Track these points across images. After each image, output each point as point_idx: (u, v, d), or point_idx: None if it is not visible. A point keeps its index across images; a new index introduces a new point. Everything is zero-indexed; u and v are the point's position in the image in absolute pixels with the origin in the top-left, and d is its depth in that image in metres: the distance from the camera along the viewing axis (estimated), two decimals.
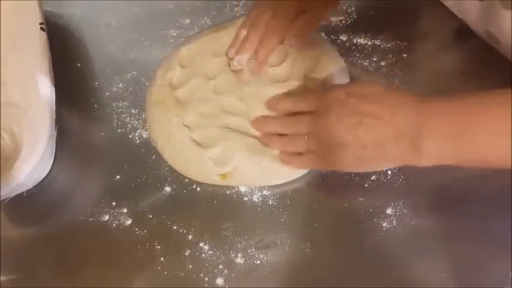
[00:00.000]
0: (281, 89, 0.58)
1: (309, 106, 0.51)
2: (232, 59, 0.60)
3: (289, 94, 0.56)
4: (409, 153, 0.46)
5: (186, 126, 0.58)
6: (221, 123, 0.57)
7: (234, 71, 0.60)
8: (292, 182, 0.56)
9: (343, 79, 0.59)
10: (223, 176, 0.55)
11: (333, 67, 0.59)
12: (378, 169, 0.53)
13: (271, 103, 0.56)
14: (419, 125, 0.44)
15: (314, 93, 0.53)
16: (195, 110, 0.58)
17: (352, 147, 0.47)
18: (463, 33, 0.61)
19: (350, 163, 0.49)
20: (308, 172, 0.56)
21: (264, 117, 0.56)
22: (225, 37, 0.62)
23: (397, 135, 0.45)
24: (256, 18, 0.59)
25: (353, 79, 0.60)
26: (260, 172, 0.55)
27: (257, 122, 0.56)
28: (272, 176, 0.55)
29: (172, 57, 0.62)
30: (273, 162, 0.55)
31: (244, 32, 0.59)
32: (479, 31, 0.59)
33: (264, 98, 0.57)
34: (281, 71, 0.60)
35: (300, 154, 0.53)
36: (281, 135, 0.54)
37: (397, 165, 0.50)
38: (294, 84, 0.58)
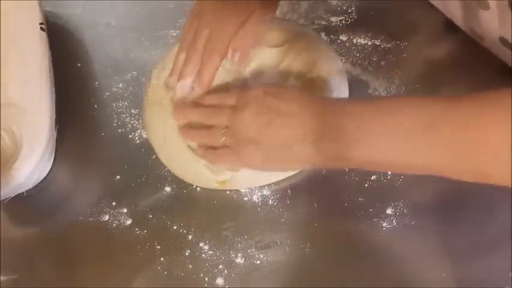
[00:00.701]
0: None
1: (230, 100, 0.51)
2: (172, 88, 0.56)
3: (214, 90, 0.55)
4: (312, 155, 0.46)
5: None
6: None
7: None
8: (292, 182, 0.56)
9: (341, 80, 0.59)
10: (222, 182, 0.55)
11: (331, 68, 0.59)
12: (286, 170, 0.53)
13: (199, 97, 0.55)
14: (322, 127, 0.45)
15: (238, 89, 0.53)
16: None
17: (264, 145, 0.47)
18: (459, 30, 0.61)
19: (259, 160, 0.49)
20: (308, 171, 0.56)
21: (186, 104, 0.55)
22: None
23: (304, 136, 0.46)
24: (193, 39, 0.55)
25: (353, 79, 0.60)
26: (258, 172, 0.55)
27: (179, 109, 0.55)
28: (271, 174, 0.55)
29: (167, 56, 0.62)
30: None
31: (182, 56, 0.55)
32: (465, 29, 0.59)
33: None
34: (277, 71, 0.59)
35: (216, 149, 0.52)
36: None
37: (305, 167, 0.51)
38: (291, 84, 0.58)
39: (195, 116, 0.54)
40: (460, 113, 0.40)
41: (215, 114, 0.52)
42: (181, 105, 0.55)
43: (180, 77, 0.54)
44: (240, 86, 0.56)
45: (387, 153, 0.43)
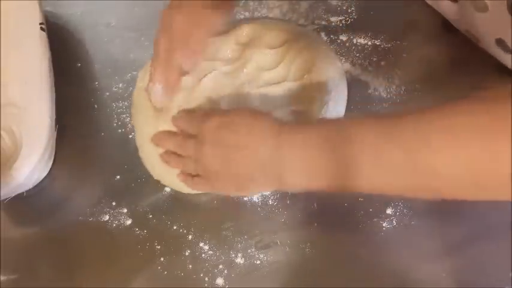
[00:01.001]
0: (276, 89, 0.57)
1: (193, 130, 0.52)
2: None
3: (187, 111, 0.56)
4: (275, 183, 0.47)
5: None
6: None
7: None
8: None
9: (340, 80, 0.59)
10: None
11: (330, 69, 0.59)
12: (255, 194, 0.55)
13: (173, 118, 0.55)
14: (277, 158, 0.45)
15: (197, 117, 0.53)
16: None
17: (228, 176, 0.49)
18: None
19: (233, 189, 0.50)
20: None
21: (165, 133, 0.55)
22: (218, 41, 0.61)
23: (262, 166, 0.47)
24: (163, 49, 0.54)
25: (353, 79, 0.60)
26: None
27: (157, 137, 0.55)
28: None
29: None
30: None
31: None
32: (461, 29, 0.60)
33: (257, 101, 0.56)
34: (275, 74, 0.59)
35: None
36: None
37: (272, 190, 0.52)
38: (289, 85, 0.57)
39: (170, 146, 0.54)
40: (404, 136, 0.40)
41: (183, 145, 0.53)
42: (158, 134, 0.55)
43: (151, 82, 0.55)
44: (199, 114, 0.55)
45: (335, 182, 0.44)
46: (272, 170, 0.46)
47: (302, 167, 0.45)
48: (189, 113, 0.55)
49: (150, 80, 0.55)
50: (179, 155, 0.53)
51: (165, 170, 0.55)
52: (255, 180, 0.48)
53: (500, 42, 0.54)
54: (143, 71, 0.61)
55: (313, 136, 0.45)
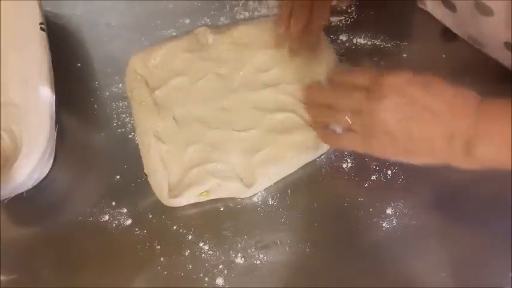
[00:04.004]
0: (272, 92, 0.57)
1: (364, 79, 0.48)
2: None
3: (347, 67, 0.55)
4: (457, 155, 0.44)
5: (160, 139, 0.57)
6: (199, 139, 0.56)
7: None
8: (292, 182, 0.56)
9: None
10: (204, 193, 0.55)
11: (327, 67, 0.59)
12: (417, 163, 0.49)
13: (330, 73, 0.54)
14: (476, 129, 0.43)
15: (371, 70, 0.49)
16: (171, 116, 0.58)
17: (400, 139, 0.45)
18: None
19: (391, 152, 0.47)
20: (308, 172, 0.56)
21: (317, 86, 0.54)
22: (216, 43, 0.62)
23: (451, 135, 0.44)
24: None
25: None
26: (243, 186, 0.54)
27: (310, 89, 0.54)
28: (256, 186, 0.55)
29: (152, 52, 0.62)
30: (257, 175, 0.54)
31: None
32: (462, 35, 0.59)
33: (252, 105, 0.57)
34: (272, 75, 0.59)
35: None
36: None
37: (438, 163, 0.47)
38: (286, 87, 0.57)
39: (325, 98, 0.52)
40: None
41: (345, 95, 0.49)
42: (311, 84, 0.54)
43: (295, 20, 0.55)
44: (371, 68, 0.52)
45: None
46: (461, 140, 0.43)
47: (503, 139, 0.42)
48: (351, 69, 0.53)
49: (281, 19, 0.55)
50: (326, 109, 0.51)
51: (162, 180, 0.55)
52: (433, 150, 0.45)
53: (508, 46, 0.53)
54: (138, 60, 0.61)
55: None
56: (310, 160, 0.56)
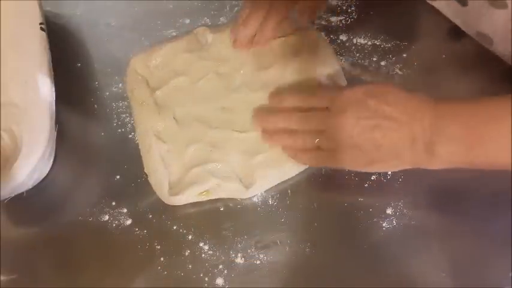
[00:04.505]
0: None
1: (321, 102, 0.50)
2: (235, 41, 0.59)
3: (295, 89, 0.55)
4: (422, 157, 0.46)
5: (160, 138, 0.57)
6: (200, 139, 0.56)
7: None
8: (292, 182, 0.56)
9: (340, 81, 0.58)
10: (205, 193, 0.55)
11: (327, 69, 0.59)
12: (388, 170, 0.52)
13: (275, 97, 0.55)
14: (434, 129, 0.44)
15: (327, 89, 0.52)
16: (172, 116, 0.58)
17: (367, 149, 0.47)
18: (461, 32, 0.61)
19: (362, 163, 0.49)
20: (308, 172, 0.56)
21: (268, 111, 0.54)
22: (216, 42, 0.62)
23: (413, 138, 0.45)
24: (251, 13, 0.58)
25: (353, 79, 0.60)
26: (242, 187, 0.54)
27: (261, 116, 0.54)
28: (255, 187, 0.55)
29: (152, 52, 0.62)
30: (256, 177, 0.54)
31: (247, 11, 0.58)
32: (470, 32, 0.59)
33: (253, 105, 0.57)
34: (272, 74, 0.58)
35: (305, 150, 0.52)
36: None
37: (408, 167, 0.50)
38: (285, 89, 0.57)
39: (281, 123, 0.53)
40: None
41: (305, 118, 0.51)
42: (262, 113, 0.55)
43: (243, 26, 0.56)
44: (328, 87, 0.55)
45: (497, 156, 0.44)
46: (423, 142, 0.45)
47: (463, 135, 0.43)
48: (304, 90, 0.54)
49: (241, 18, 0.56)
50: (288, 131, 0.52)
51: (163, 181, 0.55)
52: (399, 155, 0.46)
53: None
54: (139, 60, 0.61)
55: (480, 106, 0.44)
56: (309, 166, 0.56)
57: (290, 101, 0.54)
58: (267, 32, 0.58)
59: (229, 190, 0.54)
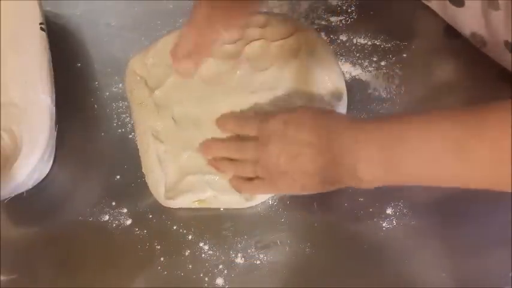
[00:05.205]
0: (269, 98, 0.56)
1: (251, 131, 0.52)
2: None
3: (237, 114, 0.56)
4: (350, 178, 0.46)
5: (158, 138, 0.56)
6: (196, 146, 0.56)
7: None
8: None
9: (339, 83, 0.58)
10: (200, 201, 0.55)
11: (326, 70, 0.58)
12: (323, 191, 0.52)
13: (219, 122, 0.55)
14: (352, 152, 0.45)
15: (256, 118, 0.53)
16: (171, 116, 0.57)
17: (296, 175, 0.48)
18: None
19: (297, 188, 0.50)
20: None
21: (213, 141, 0.55)
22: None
23: (335, 162, 0.46)
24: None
25: (353, 79, 0.60)
26: (242, 199, 0.54)
27: (205, 146, 0.55)
28: (256, 199, 0.55)
29: (150, 49, 0.61)
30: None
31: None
32: (464, 33, 0.59)
33: (248, 107, 0.56)
34: (269, 76, 0.58)
35: (251, 179, 0.52)
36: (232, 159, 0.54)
37: (342, 187, 0.50)
38: (281, 93, 0.56)
39: (223, 152, 0.54)
40: (487, 129, 0.40)
41: (241, 148, 0.52)
42: (205, 143, 0.55)
43: (179, 46, 0.51)
44: (257, 114, 0.55)
45: (414, 174, 0.44)
46: (345, 163, 0.45)
47: (380, 157, 0.44)
48: (241, 116, 0.55)
49: (179, 43, 0.50)
50: (231, 160, 0.53)
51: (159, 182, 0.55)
52: (326, 178, 0.47)
53: (508, 44, 0.53)
54: (137, 61, 0.61)
55: (393, 127, 0.44)
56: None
57: (229, 128, 0.55)
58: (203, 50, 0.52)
59: (228, 202, 0.54)
